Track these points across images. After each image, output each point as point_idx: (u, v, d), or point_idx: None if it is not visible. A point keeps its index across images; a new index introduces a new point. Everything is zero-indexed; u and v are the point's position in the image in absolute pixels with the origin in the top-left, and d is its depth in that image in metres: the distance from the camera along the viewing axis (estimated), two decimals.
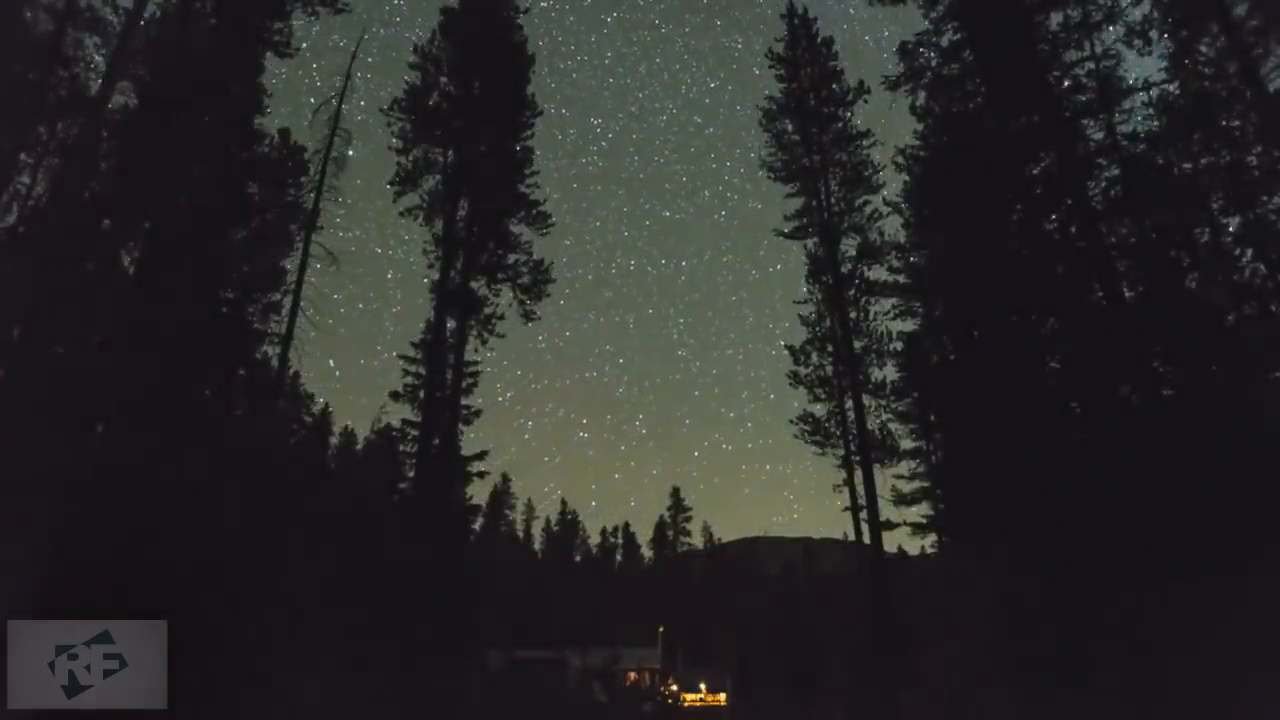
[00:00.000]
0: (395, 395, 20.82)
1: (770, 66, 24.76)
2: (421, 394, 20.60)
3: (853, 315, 21.84)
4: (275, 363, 16.95)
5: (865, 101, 23.83)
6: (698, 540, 63.43)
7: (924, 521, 24.77)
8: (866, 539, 20.01)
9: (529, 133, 23.16)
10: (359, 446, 42.32)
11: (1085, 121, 16.56)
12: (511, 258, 22.06)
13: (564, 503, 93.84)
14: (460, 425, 20.67)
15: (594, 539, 66.47)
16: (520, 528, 63.20)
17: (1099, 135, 16.38)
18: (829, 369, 21.89)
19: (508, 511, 61.17)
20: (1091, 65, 16.60)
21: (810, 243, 23.11)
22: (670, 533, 62.27)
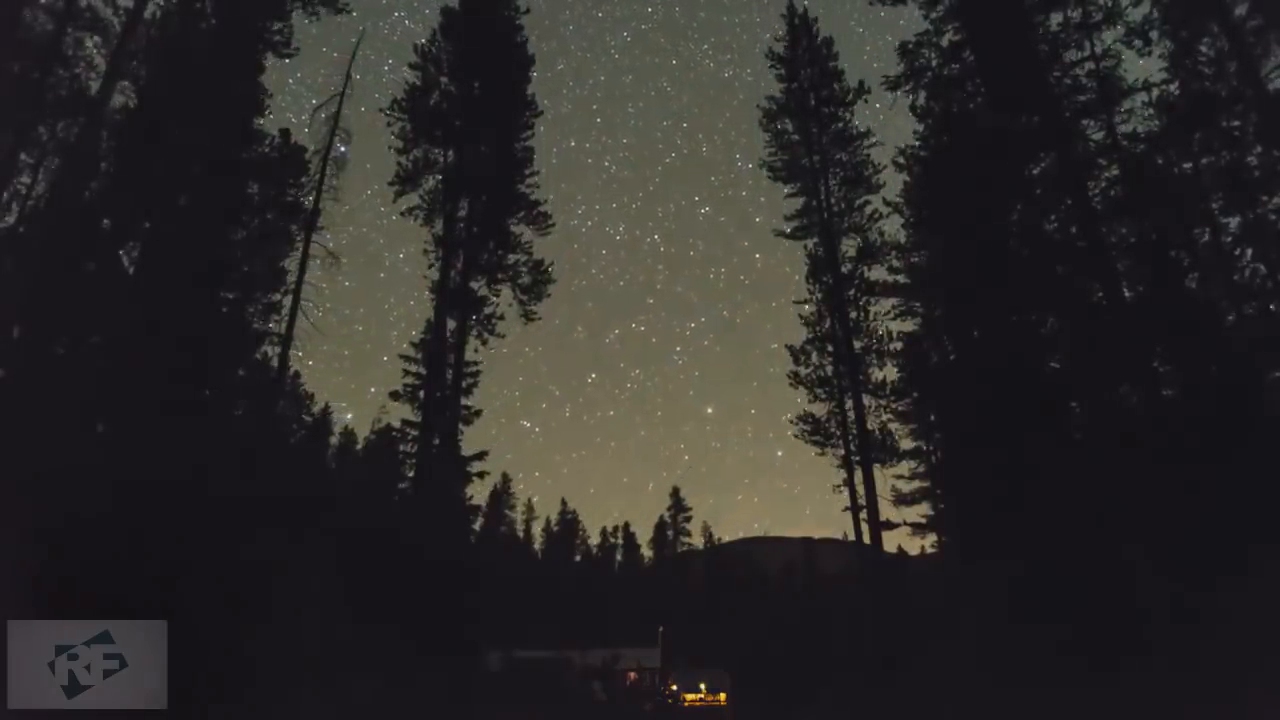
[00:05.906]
0: (395, 395, 20.78)
1: (770, 66, 24.77)
2: (421, 394, 20.56)
3: (853, 315, 21.78)
4: (275, 363, 16.97)
5: (865, 101, 23.83)
6: (698, 540, 63.52)
7: (924, 521, 24.83)
8: (866, 539, 19.98)
9: (529, 133, 23.16)
10: (359, 446, 42.38)
11: (1085, 121, 16.54)
12: (511, 258, 22.03)
13: (564, 502, 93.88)
14: (460, 425, 20.64)
15: (594, 539, 66.56)
16: (520, 528, 63.29)
17: (1099, 135, 16.38)
18: (829, 369, 21.83)
19: (508, 511, 61.26)
20: (1091, 65, 16.57)
21: (810, 243, 23.09)
22: (670, 533, 62.27)
